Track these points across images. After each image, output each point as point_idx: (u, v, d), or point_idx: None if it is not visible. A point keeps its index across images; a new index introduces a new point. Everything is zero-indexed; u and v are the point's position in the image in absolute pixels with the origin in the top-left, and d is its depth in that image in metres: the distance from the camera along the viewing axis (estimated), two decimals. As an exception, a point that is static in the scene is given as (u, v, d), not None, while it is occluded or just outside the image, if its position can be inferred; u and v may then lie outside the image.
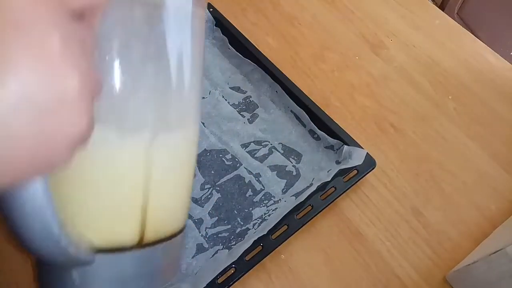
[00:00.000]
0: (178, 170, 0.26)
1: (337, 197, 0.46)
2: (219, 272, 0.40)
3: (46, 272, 0.25)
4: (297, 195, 0.47)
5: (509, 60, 0.60)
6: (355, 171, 0.47)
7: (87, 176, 0.22)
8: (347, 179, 0.47)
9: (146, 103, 0.23)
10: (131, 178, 0.23)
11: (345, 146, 0.48)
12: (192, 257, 0.43)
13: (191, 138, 0.27)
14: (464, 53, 0.61)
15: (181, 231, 0.28)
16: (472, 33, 0.63)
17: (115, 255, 0.23)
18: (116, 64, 0.22)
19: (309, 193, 0.45)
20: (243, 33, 0.59)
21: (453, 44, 0.62)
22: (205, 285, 0.40)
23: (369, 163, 0.48)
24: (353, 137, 0.49)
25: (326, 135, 0.50)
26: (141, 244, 0.24)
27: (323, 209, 0.45)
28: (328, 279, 0.43)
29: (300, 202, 0.45)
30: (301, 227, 0.44)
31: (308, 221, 0.44)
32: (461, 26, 0.64)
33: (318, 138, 0.51)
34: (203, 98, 0.55)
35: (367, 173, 0.47)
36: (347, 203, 0.48)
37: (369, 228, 0.46)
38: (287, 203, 0.46)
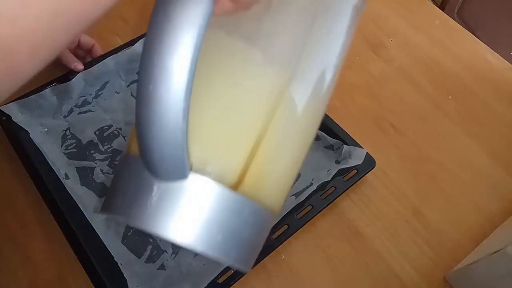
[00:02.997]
0: (298, 128, 0.25)
1: (337, 197, 0.46)
2: (219, 272, 0.40)
3: (124, 183, 0.22)
4: (297, 194, 0.47)
5: (509, 60, 0.60)
6: (355, 171, 0.47)
7: (218, 87, 0.22)
8: (347, 178, 0.47)
9: (298, 46, 0.24)
10: (257, 105, 0.22)
11: (345, 146, 0.48)
12: (193, 257, 0.43)
13: (318, 110, 0.26)
14: (464, 53, 0.61)
15: (273, 215, 0.25)
16: (472, 33, 0.63)
17: (208, 181, 0.21)
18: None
19: (309, 192, 0.45)
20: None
21: (453, 44, 0.62)
22: (205, 285, 0.40)
23: (369, 163, 0.47)
24: (353, 137, 0.49)
25: (325, 135, 0.50)
26: (237, 187, 0.22)
27: (323, 208, 0.45)
28: (328, 279, 0.43)
29: (300, 202, 0.45)
30: (301, 226, 0.44)
31: (308, 220, 0.44)
32: (461, 26, 0.64)
33: (317, 138, 0.51)
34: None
35: (367, 172, 0.47)
36: (347, 203, 0.48)
37: (369, 228, 0.46)
38: (287, 203, 0.46)
